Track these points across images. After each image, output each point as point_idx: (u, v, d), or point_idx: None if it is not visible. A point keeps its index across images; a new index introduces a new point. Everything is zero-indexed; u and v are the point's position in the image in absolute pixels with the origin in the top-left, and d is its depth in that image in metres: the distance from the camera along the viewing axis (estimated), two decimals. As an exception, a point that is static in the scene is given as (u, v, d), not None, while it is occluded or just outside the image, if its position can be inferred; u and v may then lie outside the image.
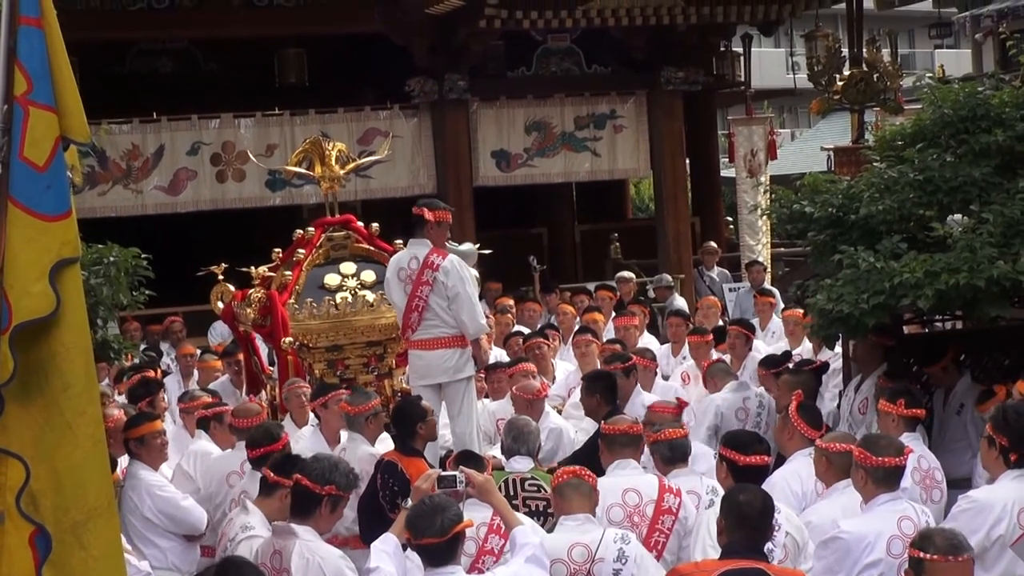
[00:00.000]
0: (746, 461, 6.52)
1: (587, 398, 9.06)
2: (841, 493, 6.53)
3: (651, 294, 17.08)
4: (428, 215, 9.41)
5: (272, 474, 6.69)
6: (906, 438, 7.38)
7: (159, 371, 12.34)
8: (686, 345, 12.39)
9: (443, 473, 5.83)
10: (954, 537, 5.12)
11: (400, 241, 10.21)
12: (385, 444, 8.44)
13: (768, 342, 12.84)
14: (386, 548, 5.55)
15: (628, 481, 6.93)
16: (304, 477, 6.06)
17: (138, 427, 8.27)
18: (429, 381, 9.40)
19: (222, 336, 15.30)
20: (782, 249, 20.86)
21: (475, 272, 9.90)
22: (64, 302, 4.16)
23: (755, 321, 13.52)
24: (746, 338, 11.64)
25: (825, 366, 10.10)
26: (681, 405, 8.84)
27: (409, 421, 7.93)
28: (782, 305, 14.89)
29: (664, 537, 6.72)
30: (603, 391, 9.05)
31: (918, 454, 7.37)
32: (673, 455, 7.20)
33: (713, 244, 19.66)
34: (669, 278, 17.07)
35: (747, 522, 5.42)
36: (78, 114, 4.39)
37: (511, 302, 14.82)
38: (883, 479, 6.12)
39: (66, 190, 4.28)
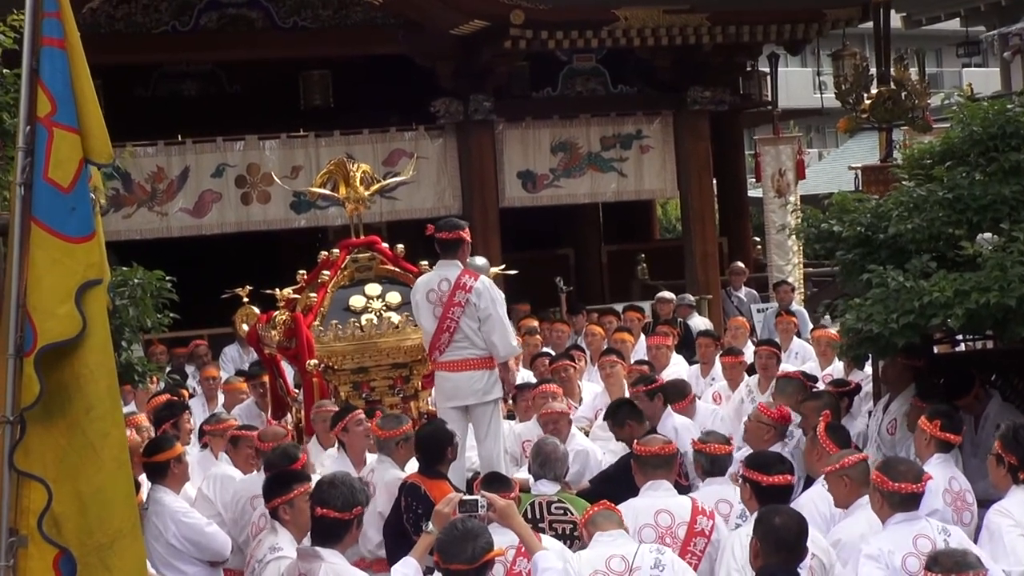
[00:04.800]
0: (769, 481, 6.53)
1: (618, 430, 9.15)
2: (865, 508, 6.51)
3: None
4: (465, 236, 9.42)
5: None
6: (936, 459, 7.35)
7: (187, 393, 12.35)
8: (716, 365, 12.37)
9: (465, 497, 5.82)
10: (962, 556, 5.14)
11: (425, 262, 10.21)
12: (412, 467, 8.42)
13: (792, 363, 12.79)
14: (406, 572, 5.55)
15: (661, 502, 6.95)
16: (329, 509, 6.03)
17: (162, 451, 8.28)
18: (457, 403, 9.36)
19: (234, 361, 15.34)
20: (811, 269, 20.80)
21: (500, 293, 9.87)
22: (89, 324, 4.17)
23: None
24: (776, 358, 11.65)
25: (858, 388, 10.06)
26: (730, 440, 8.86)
27: (438, 445, 7.91)
28: (811, 325, 14.86)
29: (696, 560, 6.73)
30: (629, 416, 9.10)
31: (949, 475, 7.33)
32: (713, 468, 7.45)
33: (740, 264, 19.63)
34: (691, 297, 17.06)
35: (784, 545, 5.44)
36: (101, 136, 4.40)
37: (535, 323, 14.82)
38: (899, 503, 6.11)
39: (90, 212, 4.29)
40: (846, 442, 7.54)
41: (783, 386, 9.75)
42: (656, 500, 6.98)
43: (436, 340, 9.35)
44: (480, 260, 10.46)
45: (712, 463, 7.51)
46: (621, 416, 9.21)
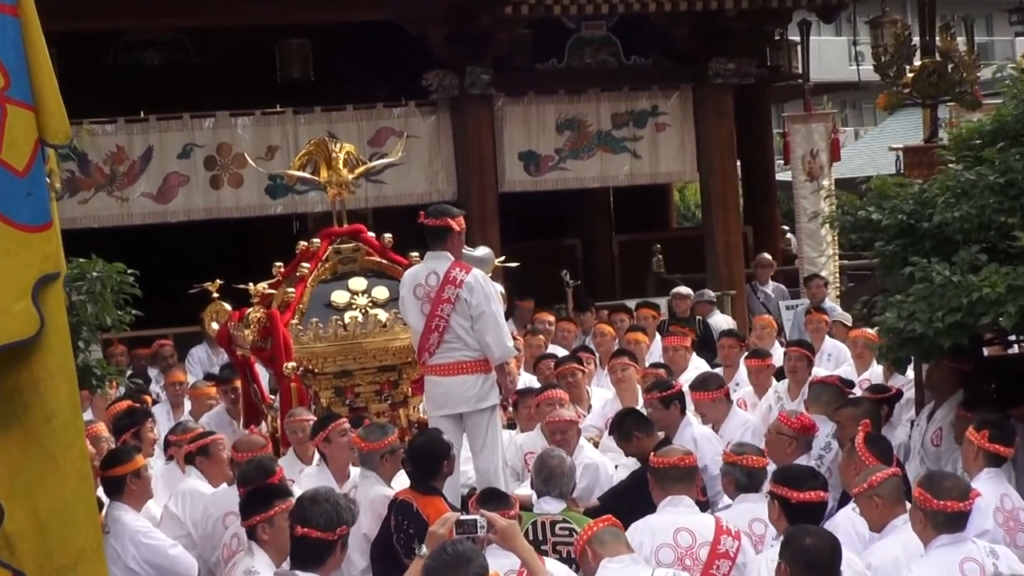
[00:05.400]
0: (800, 497, 6.55)
1: (625, 444, 9.16)
2: (900, 530, 6.53)
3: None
4: (454, 224, 9.40)
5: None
6: (986, 474, 7.37)
7: (149, 399, 12.36)
8: (740, 369, 12.37)
9: (463, 517, 5.82)
10: None
11: (416, 254, 10.22)
12: (401, 482, 8.44)
13: (825, 367, 12.80)
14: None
15: (681, 519, 6.97)
16: (311, 528, 6.05)
17: (121, 463, 8.29)
18: (448, 411, 9.36)
19: (202, 363, 15.34)
20: (846, 261, 20.80)
21: (500, 288, 9.89)
22: (48, 322, 4.14)
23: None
24: (808, 360, 11.64)
25: (899, 395, 10.08)
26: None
27: (432, 458, 7.92)
28: (849, 325, 14.86)
29: (719, 584, 6.75)
30: (636, 427, 9.10)
31: (1000, 492, 7.35)
32: (749, 483, 7.46)
33: (767, 256, 19.63)
34: (711, 293, 17.06)
35: (815, 569, 5.45)
36: (58, 113, 4.37)
37: (551, 318, 14.84)
38: (944, 523, 6.13)
39: (47, 198, 4.25)
40: (887, 454, 7.55)
41: (818, 393, 9.73)
42: (676, 517, 7.00)
43: (425, 341, 9.34)
44: (482, 251, 10.46)
45: (749, 477, 7.52)
46: (627, 428, 9.21)
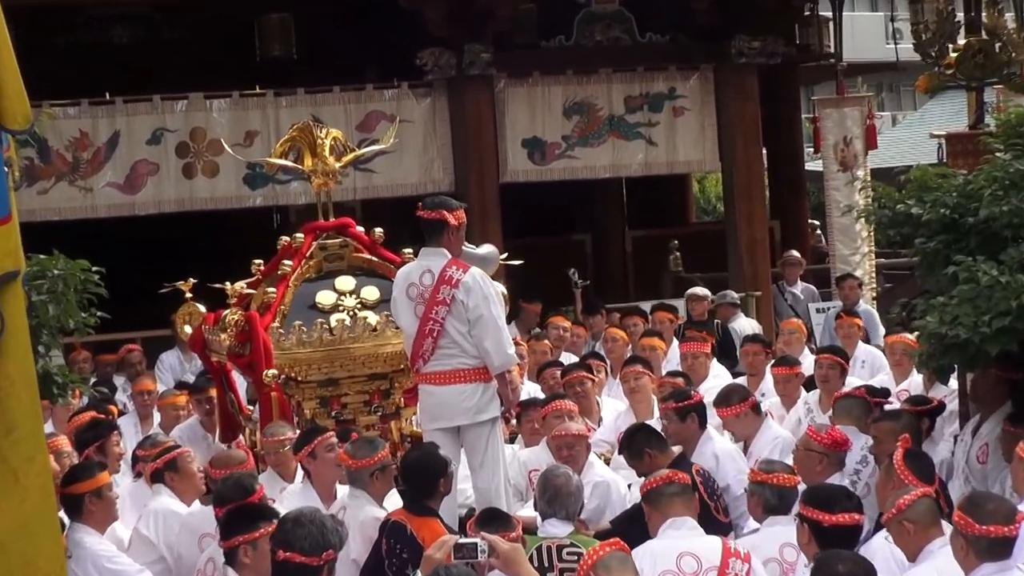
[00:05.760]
0: (832, 520, 6.57)
1: (637, 463, 9.15)
2: (936, 555, 6.53)
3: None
4: (450, 218, 9.40)
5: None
6: (1036, 495, 7.38)
7: (116, 410, 12.37)
8: (766, 378, 12.37)
9: (461, 540, 5.83)
10: None
11: (410, 250, 10.23)
12: (393, 502, 8.45)
13: (859, 375, 12.79)
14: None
15: (685, 543, 6.99)
16: (294, 553, 6.06)
17: (82, 480, 8.30)
18: (444, 424, 9.36)
19: (173, 370, 15.35)
20: (883, 260, 20.81)
21: (502, 288, 9.89)
22: (8, 325, 4.14)
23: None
24: (841, 369, 11.64)
25: (941, 407, 10.08)
26: None
27: (427, 476, 7.93)
28: (882, 329, 14.86)
29: (729, 613, 6.77)
30: (647, 443, 9.10)
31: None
32: (779, 504, 7.46)
33: (796, 254, 19.64)
34: (734, 294, 17.06)
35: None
36: (18, 96, 4.38)
37: (566, 324, 14.84)
38: (987, 550, 6.12)
39: (5, 189, 4.26)
40: (928, 473, 7.55)
41: (847, 407, 9.72)
42: (679, 541, 7.01)
43: (418, 346, 9.34)
44: (485, 249, 10.42)
45: (779, 498, 7.51)
46: (638, 445, 9.20)
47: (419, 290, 9.32)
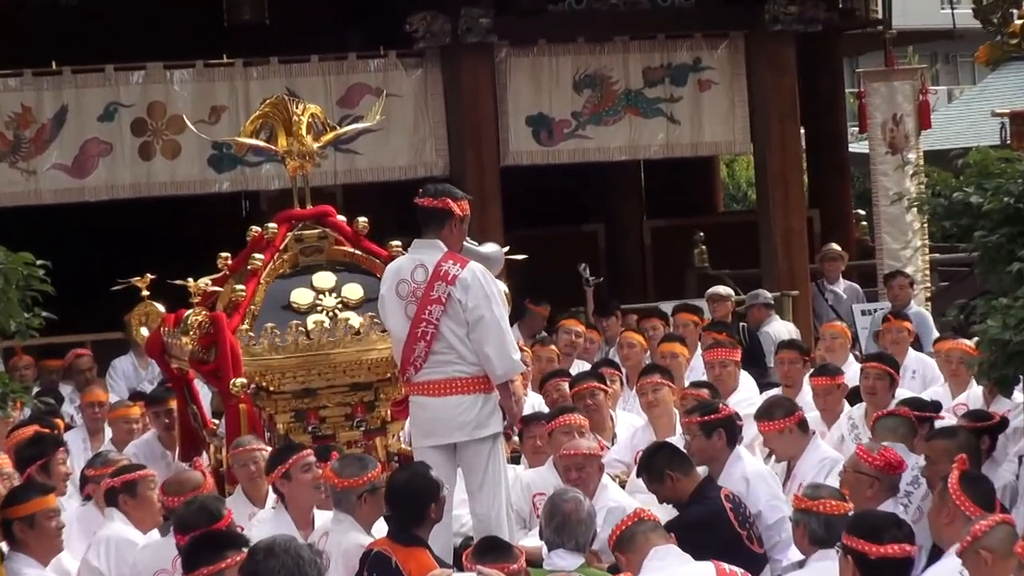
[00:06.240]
0: (880, 552, 6.58)
1: (658, 487, 9.16)
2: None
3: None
4: (455, 208, 9.39)
5: None
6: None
7: (62, 423, 12.37)
8: (804, 389, 12.36)
9: (456, 575, 5.85)
10: None
11: (398, 243, 10.24)
12: (382, 529, 8.45)
13: (909, 387, 12.78)
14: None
15: (673, 573, 7.02)
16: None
17: (22, 503, 8.29)
18: (438, 440, 9.38)
19: (127, 378, 15.35)
20: (938, 255, 20.81)
21: (504, 287, 9.89)
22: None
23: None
24: (890, 380, 11.61)
25: (1003, 423, 10.07)
26: None
27: (416, 500, 7.94)
28: (936, 334, 14.84)
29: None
30: (669, 464, 9.11)
31: None
32: (827, 535, 7.45)
33: (838, 248, 19.64)
34: (767, 294, 17.06)
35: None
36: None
37: (580, 328, 14.82)
38: None
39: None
40: (988, 499, 7.54)
41: (891, 426, 9.73)
42: (664, 573, 7.05)
43: (409, 351, 9.36)
44: (489, 248, 10.39)
45: (827, 528, 7.48)
46: (657, 467, 9.20)
47: (411, 287, 9.33)
